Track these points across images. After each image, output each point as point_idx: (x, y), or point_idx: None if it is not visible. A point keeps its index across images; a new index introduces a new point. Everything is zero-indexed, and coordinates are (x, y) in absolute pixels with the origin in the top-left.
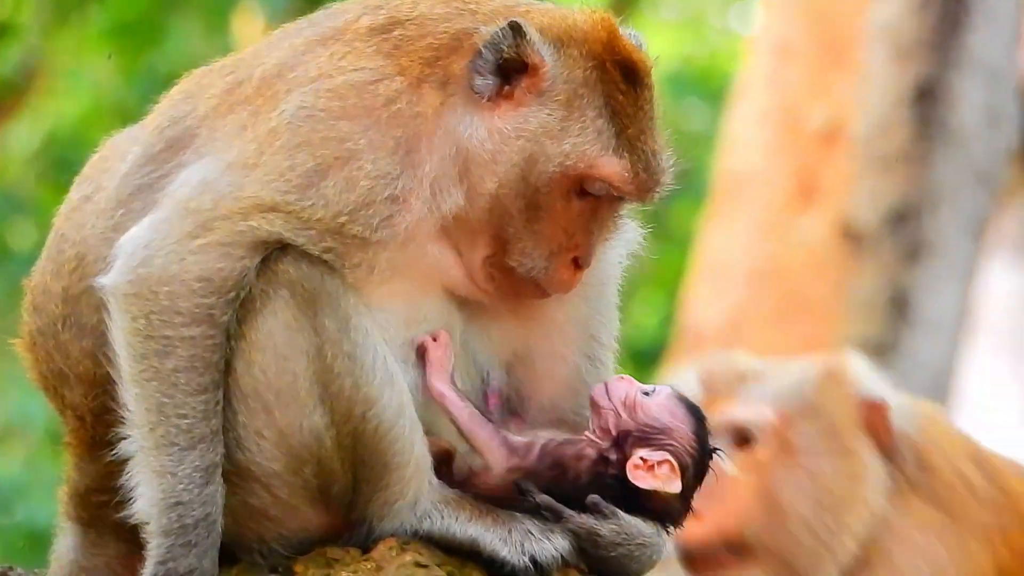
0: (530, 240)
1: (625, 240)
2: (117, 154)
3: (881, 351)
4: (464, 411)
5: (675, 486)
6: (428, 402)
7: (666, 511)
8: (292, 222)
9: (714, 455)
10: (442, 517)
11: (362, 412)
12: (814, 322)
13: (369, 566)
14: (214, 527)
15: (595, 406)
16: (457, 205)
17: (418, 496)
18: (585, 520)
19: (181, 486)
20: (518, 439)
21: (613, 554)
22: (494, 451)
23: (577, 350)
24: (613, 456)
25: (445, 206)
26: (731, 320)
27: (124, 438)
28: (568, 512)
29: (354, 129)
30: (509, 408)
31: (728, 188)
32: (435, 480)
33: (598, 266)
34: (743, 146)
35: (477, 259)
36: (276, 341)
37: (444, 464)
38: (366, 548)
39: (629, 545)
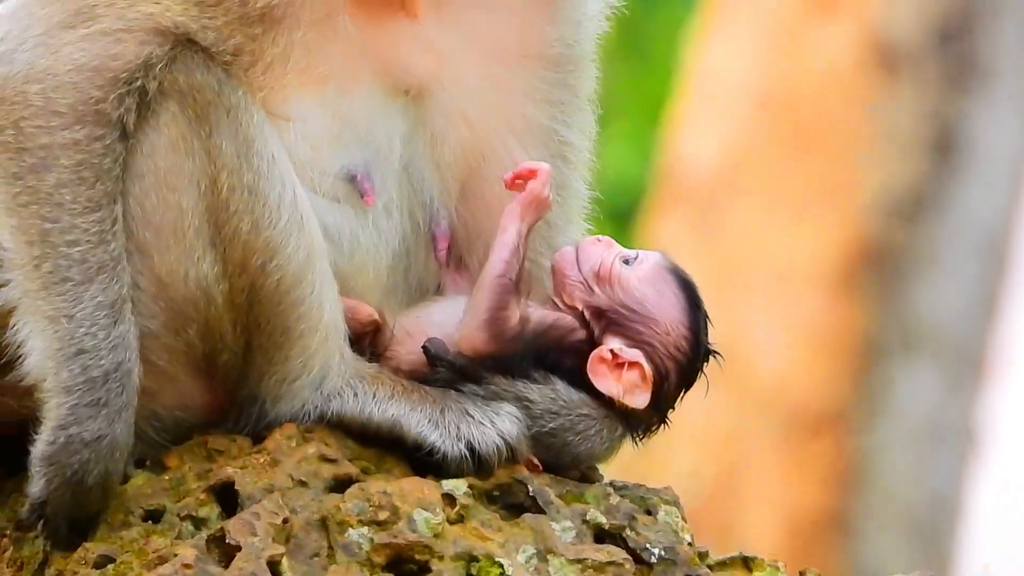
0: None
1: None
2: None
3: (920, 201)
4: (504, 265)
5: (639, 400)
6: (353, 252)
7: (631, 416)
8: (192, 10)
9: (708, 357)
10: (355, 395)
11: (261, 262)
12: (835, 163)
13: (261, 460)
14: (129, 379)
15: (558, 275)
16: None
17: (326, 371)
18: (511, 383)
19: (82, 330)
20: (514, 323)
21: (551, 425)
22: (482, 330)
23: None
24: (583, 335)
25: None
26: (729, 161)
27: (3, 285)
28: (488, 373)
29: None
30: (455, 252)
31: None
32: (349, 353)
33: (549, 34)
34: None
35: None
36: (158, 165)
37: (367, 336)
38: (258, 436)
39: (569, 415)
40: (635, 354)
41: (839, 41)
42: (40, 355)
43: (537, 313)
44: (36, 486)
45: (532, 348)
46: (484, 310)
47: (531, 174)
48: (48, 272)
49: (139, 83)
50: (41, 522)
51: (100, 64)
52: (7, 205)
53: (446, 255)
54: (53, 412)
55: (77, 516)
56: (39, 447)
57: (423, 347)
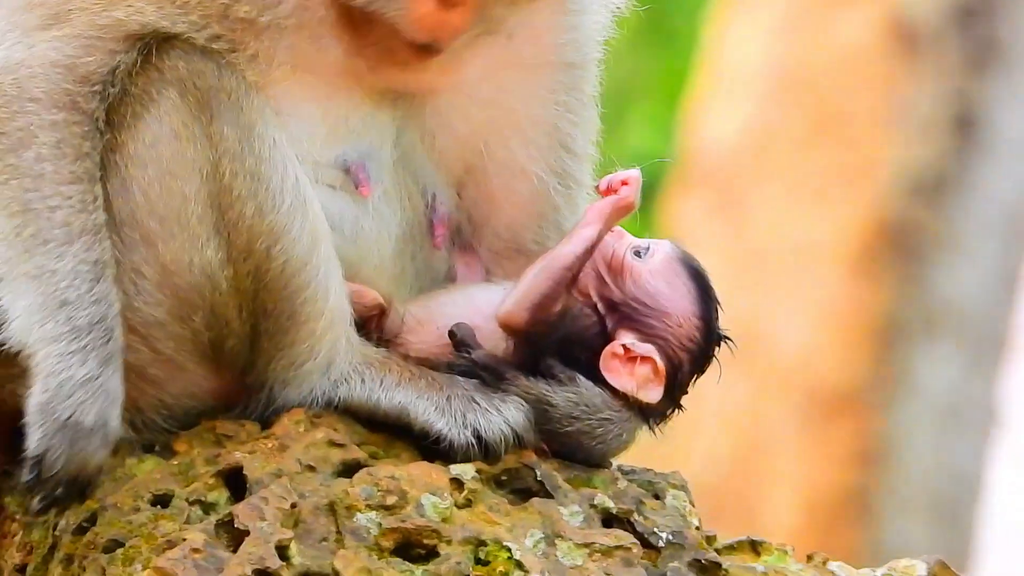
0: None
1: (600, 4)
2: None
3: (940, 181)
4: (574, 259)
5: (652, 395)
6: (357, 238)
7: (643, 407)
8: (167, 8)
9: (719, 344)
10: (363, 381)
11: (266, 246)
12: (856, 144)
13: (270, 445)
14: (112, 335)
15: None
16: None
17: (333, 356)
18: (534, 384)
19: (65, 283)
20: (557, 311)
21: (569, 428)
22: (528, 312)
23: (543, 162)
24: (597, 328)
25: None
26: (750, 142)
27: None
28: (511, 372)
29: None
30: (460, 239)
31: None
32: (355, 337)
33: (563, 43)
34: None
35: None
36: (161, 154)
37: (372, 320)
38: (266, 422)
39: (589, 420)
40: (648, 349)
41: (860, 22)
42: (24, 313)
43: (573, 305)
44: (33, 439)
45: (561, 337)
46: (539, 294)
47: (624, 183)
48: (30, 236)
49: (100, 87)
50: (39, 479)
51: (72, 64)
52: None
53: (443, 240)
54: (42, 364)
55: (76, 470)
56: (32, 400)
57: (449, 332)
